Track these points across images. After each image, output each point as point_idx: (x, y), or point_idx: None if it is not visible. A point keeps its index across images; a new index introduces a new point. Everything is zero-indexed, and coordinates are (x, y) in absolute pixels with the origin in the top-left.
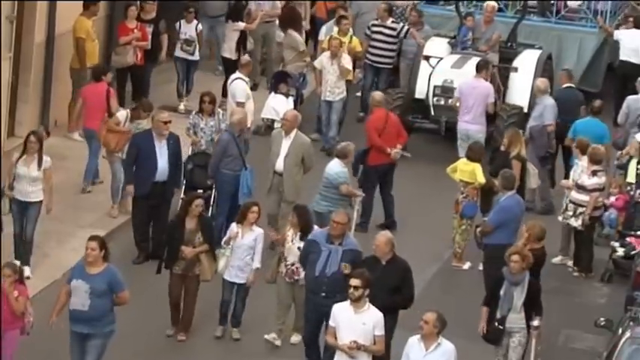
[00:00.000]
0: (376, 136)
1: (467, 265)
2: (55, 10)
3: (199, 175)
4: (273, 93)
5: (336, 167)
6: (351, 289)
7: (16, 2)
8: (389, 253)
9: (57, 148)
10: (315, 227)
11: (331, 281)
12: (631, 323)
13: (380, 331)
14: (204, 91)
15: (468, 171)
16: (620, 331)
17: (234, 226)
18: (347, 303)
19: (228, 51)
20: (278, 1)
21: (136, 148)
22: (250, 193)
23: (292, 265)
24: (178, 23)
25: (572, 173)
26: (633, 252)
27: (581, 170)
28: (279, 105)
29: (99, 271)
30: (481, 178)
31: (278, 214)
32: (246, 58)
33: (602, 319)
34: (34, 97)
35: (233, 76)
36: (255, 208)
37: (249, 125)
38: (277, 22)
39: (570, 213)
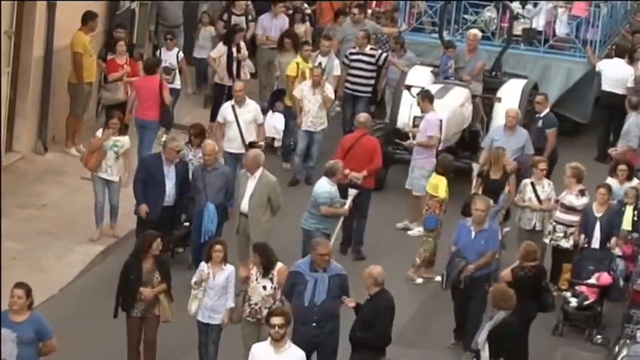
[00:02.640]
0: (340, 154)
1: (420, 280)
2: (53, 25)
3: (190, 207)
4: (270, 112)
5: (322, 186)
6: (276, 328)
7: (14, 18)
8: (372, 288)
9: (55, 163)
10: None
11: (321, 310)
12: (628, 341)
13: None
14: (192, 123)
15: (433, 184)
16: (617, 349)
17: (204, 267)
18: (267, 342)
19: (217, 77)
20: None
21: (144, 172)
22: (209, 232)
23: (256, 304)
24: (159, 51)
25: (526, 194)
26: (587, 302)
27: (551, 190)
28: (278, 123)
29: (24, 319)
30: (442, 193)
31: (248, 257)
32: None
33: (598, 336)
34: (32, 113)
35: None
36: (218, 247)
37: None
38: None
39: (561, 234)
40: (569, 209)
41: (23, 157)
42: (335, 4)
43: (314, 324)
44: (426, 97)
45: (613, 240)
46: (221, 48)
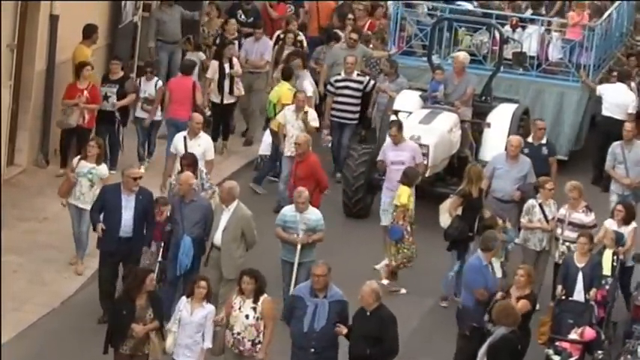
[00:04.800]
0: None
1: (404, 290)
2: (55, 38)
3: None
4: (268, 130)
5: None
6: None
7: (16, 31)
8: (374, 304)
9: (56, 176)
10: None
11: (320, 336)
12: (629, 356)
13: None
14: (184, 154)
15: (397, 194)
16: None
17: (181, 303)
18: None
19: (213, 94)
20: (267, 54)
21: (102, 201)
22: (184, 266)
23: (238, 334)
24: (139, 81)
25: (536, 215)
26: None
27: (555, 209)
28: None
29: None
30: (403, 199)
31: (218, 292)
32: None
33: (600, 352)
34: (33, 126)
35: None
36: (202, 283)
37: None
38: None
39: (565, 252)
40: (581, 227)
41: (25, 170)
42: (321, 10)
43: (312, 350)
44: (401, 129)
45: (592, 292)
46: (214, 64)
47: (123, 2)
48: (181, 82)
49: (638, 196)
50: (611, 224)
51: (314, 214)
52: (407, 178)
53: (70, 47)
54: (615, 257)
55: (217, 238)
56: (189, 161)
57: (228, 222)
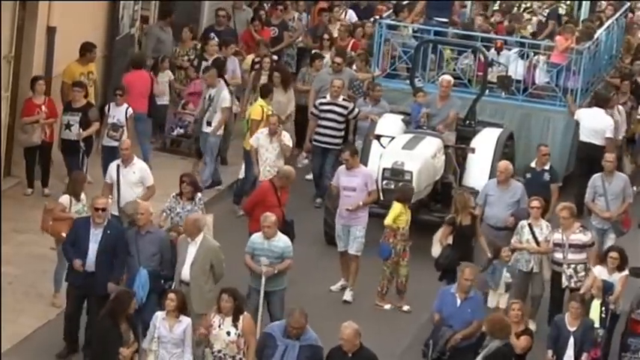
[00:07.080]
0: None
1: (388, 306)
2: (52, 50)
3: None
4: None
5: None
6: None
7: (14, 42)
8: (356, 345)
9: (52, 188)
10: None
11: None
12: None
13: None
14: (184, 172)
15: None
16: None
17: (157, 318)
18: None
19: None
20: (237, 71)
21: (73, 233)
22: (139, 299)
23: (219, 352)
24: (107, 106)
25: (524, 236)
26: None
27: (549, 232)
28: None
29: None
30: (388, 220)
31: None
32: None
33: None
34: None
35: None
36: (170, 295)
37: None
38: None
39: (582, 273)
40: (582, 247)
41: (21, 182)
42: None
43: None
44: (355, 154)
45: (584, 357)
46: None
47: (120, 14)
48: (138, 76)
49: (618, 230)
50: (600, 271)
51: (282, 242)
52: (401, 194)
53: (66, 61)
54: (604, 308)
55: (185, 273)
56: (190, 180)
57: (196, 255)
